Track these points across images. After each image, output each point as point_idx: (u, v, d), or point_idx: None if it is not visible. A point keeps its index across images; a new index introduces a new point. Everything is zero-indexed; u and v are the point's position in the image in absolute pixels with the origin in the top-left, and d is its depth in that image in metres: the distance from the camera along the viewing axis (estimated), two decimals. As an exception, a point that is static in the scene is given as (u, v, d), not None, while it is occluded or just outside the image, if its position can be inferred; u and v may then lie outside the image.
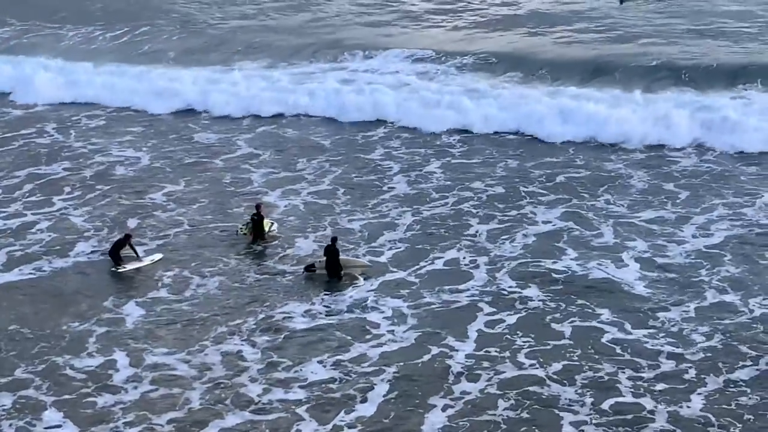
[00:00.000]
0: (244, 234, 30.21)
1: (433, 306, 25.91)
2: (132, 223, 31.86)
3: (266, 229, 30.11)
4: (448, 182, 34.65)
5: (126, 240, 28.91)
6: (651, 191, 33.13)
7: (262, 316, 25.69)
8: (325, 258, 27.81)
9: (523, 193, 33.28)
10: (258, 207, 30.39)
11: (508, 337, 24.23)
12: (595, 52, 48.18)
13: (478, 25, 55.13)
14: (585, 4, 57.35)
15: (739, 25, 50.80)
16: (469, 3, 59.99)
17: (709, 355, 23.15)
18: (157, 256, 29.15)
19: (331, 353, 23.78)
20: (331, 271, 27.75)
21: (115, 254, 28.67)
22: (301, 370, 23.06)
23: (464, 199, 33.01)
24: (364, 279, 27.50)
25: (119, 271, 28.37)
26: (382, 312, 25.80)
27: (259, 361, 23.52)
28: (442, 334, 24.40)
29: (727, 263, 27.68)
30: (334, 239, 28.14)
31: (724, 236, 29.38)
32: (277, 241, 30.11)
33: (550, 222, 30.84)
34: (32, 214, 32.97)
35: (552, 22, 54.30)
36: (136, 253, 28.80)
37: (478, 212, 31.81)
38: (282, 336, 24.67)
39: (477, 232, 30.37)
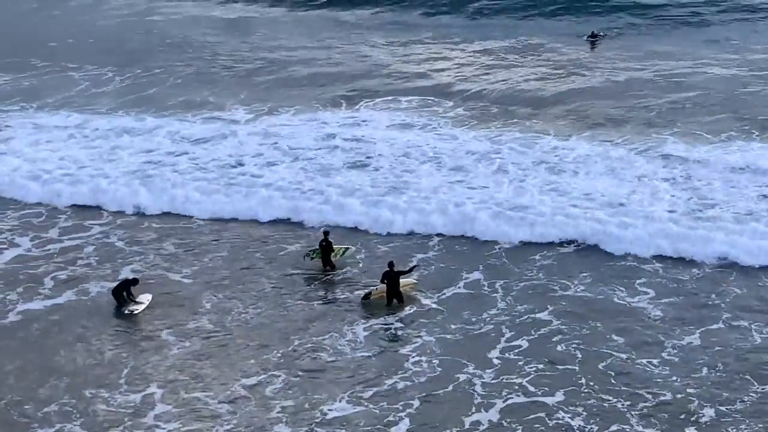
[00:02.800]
0: (312, 259, 30.31)
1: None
2: (170, 247, 32.40)
3: (338, 254, 30.29)
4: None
5: (132, 283, 28.58)
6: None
7: (296, 348, 25.88)
8: (383, 283, 28.05)
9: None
10: (326, 234, 30.55)
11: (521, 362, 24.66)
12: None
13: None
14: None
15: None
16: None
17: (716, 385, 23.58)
18: (148, 297, 28.69)
19: (361, 387, 23.92)
20: (390, 297, 27.99)
21: (119, 295, 28.33)
22: (329, 405, 23.22)
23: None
24: (399, 302, 27.92)
25: (128, 311, 27.96)
26: (412, 342, 26.07)
27: (290, 396, 23.69)
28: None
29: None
30: (390, 264, 28.33)
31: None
32: (348, 267, 30.38)
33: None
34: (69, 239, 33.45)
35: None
36: (132, 298, 28.29)
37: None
38: (314, 369, 24.85)
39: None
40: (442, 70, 50.22)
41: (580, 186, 35.23)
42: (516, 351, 25.37)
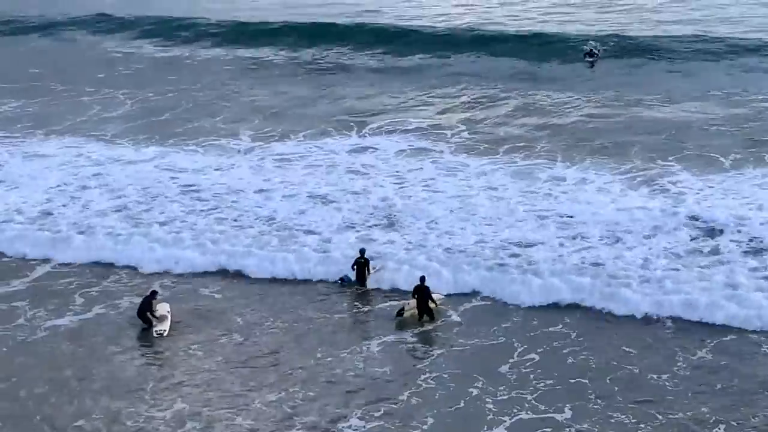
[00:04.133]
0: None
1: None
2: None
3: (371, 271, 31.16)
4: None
5: (152, 297, 29.26)
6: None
7: (316, 363, 26.79)
8: (414, 298, 28.76)
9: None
10: (362, 252, 31.41)
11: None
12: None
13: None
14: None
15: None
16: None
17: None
18: (166, 307, 29.57)
19: (374, 403, 24.75)
20: (421, 312, 28.70)
21: (143, 314, 29.03)
22: (344, 422, 24.06)
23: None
24: (430, 318, 28.75)
25: (157, 332, 28.60)
26: (427, 357, 26.94)
27: (305, 413, 24.56)
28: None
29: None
30: (422, 278, 29.08)
31: None
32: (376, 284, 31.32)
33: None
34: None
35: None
36: (154, 314, 29.05)
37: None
38: (331, 386, 25.70)
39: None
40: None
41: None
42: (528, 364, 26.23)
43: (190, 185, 39.87)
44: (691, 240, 32.60)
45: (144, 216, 37.00)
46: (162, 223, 36.12)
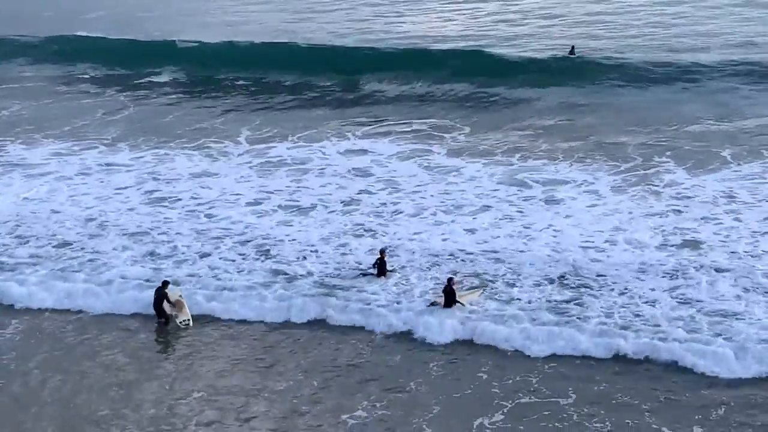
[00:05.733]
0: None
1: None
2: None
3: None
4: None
5: (164, 287, 29.47)
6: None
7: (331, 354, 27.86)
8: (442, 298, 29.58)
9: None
10: (381, 252, 32.44)
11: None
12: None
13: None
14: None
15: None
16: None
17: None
18: (177, 293, 29.88)
19: (381, 392, 25.67)
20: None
21: (160, 307, 29.26)
22: (349, 412, 24.87)
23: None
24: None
25: (183, 323, 29.03)
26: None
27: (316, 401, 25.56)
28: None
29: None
30: (449, 280, 29.93)
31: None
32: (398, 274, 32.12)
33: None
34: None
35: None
36: (169, 300, 29.27)
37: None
38: (331, 376, 26.68)
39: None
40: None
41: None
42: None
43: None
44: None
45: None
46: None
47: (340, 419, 24.45)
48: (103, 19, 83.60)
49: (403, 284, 31.28)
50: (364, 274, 32.27)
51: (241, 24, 79.39)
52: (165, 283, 29.98)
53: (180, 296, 29.85)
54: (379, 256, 32.38)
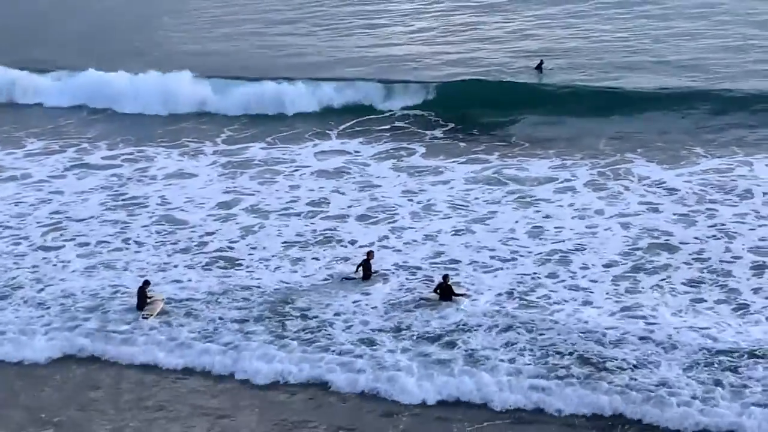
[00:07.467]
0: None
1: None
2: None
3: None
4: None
5: (146, 286, 30.27)
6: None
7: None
8: (436, 293, 29.86)
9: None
10: (369, 254, 32.37)
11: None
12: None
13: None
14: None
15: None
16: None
17: None
18: (162, 296, 30.51)
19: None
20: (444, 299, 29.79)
21: (143, 304, 29.98)
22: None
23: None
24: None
25: (143, 316, 29.54)
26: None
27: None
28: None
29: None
30: (445, 276, 30.22)
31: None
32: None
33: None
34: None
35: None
36: (149, 299, 30.04)
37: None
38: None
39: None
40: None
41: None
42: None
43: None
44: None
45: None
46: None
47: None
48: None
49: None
50: (348, 279, 32.22)
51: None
52: (146, 282, 30.73)
53: (162, 299, 30.47)
54: (365, 257, 32.19)
